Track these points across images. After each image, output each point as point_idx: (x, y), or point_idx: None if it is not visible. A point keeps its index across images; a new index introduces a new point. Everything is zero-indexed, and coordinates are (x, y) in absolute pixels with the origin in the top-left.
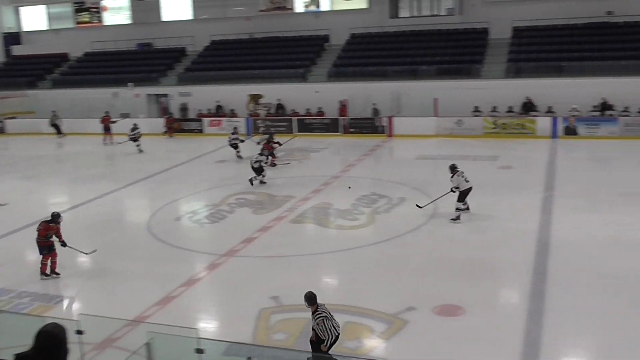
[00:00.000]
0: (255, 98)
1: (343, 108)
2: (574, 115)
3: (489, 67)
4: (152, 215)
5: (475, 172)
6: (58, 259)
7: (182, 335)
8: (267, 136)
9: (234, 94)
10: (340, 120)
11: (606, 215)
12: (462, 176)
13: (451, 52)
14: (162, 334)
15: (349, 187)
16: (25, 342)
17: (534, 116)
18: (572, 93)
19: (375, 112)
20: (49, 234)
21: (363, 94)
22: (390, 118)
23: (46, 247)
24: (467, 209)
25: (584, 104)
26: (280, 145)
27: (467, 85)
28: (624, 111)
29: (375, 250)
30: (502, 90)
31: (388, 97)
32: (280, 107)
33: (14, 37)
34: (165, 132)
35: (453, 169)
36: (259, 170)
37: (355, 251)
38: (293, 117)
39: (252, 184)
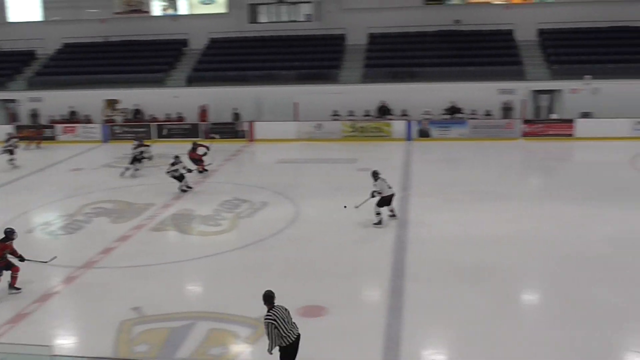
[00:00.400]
0: (111, 103)
1: (203, 113)
2: (426, 119)
3: (347, 72)
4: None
5: (335, 174)
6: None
7: (34, 354)
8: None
9: (89, 99)
10: (201, 126)
11: (459, 212)
12: (385, 182)
13: (310, 57)
14: (13, 354)
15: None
16: None
17: (390, 119)
18: (424, 97)
19: (236, 116)
20: (4, 253)
21: (224, 98)
22: (251, 123)
23: (3, 267)
24: (394, 215)
25: (435, 107)
26: (208, 149)
27: (325, 90)
28: (472, 114)
29: (239, 255)
30: (359, 94)
31: (249, 102)
32: (137, 112)
33: None
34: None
35: (375, 175)
36: (180, 178)
37: (219, 257)
38: (152, 123)
39: (185, 191)
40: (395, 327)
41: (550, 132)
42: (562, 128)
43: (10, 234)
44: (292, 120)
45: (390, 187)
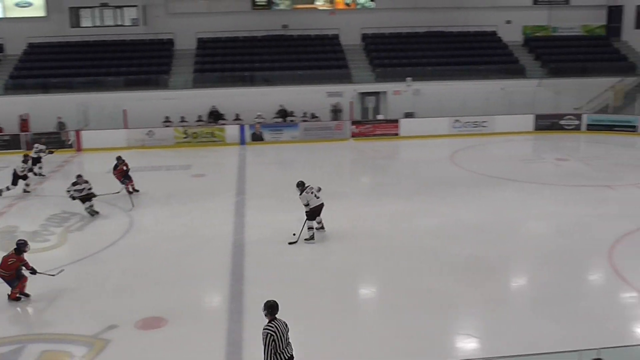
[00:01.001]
0: None
1: (24, 123)
2: (259, 122)
3: (176, 77)
4: None
5: (169, 181)
6: None
7: None
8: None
9: None
10: (22, 136)
11: (294, 213)
12: (312, 192)
13: (137, 62)
14: None
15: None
16: None
17: (223, 124)
18: (256, 101)
19: (61, 125)
20: (20, 265)
21: (46, 107)
22: (77, 131)
23: (15, 278)
24: (322, 227)
25: (267, 111)
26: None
27: (155, 96)
28: (303, 117)
29: (71, 270)
30: (191, 100)
31: (74, 110)
32: None
33: None
34: None
35: (300, 186)
36: (84, 199)
37: (43, 277)
38: None
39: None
40: (237, 331)
41: (378, 132)
42: (388, 128)
43: (23, 245)
44: (122, 128)
45: (317, 197)
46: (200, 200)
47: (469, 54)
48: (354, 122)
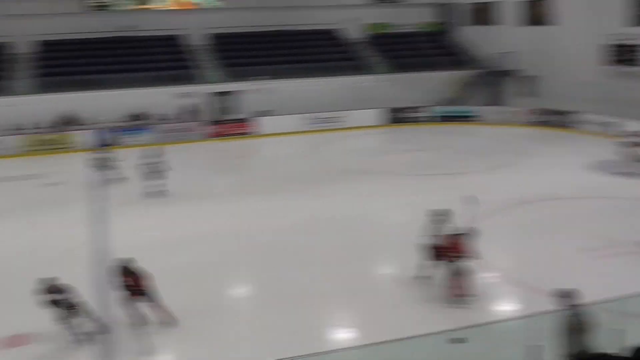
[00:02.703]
0: None
1: None
2: (111, 127)
3: (16, 82)
4: None
5: (18, 193)
6: None
7: None
8: None
9: None
10: None
11: (155, 217)
12: None
13: None
14: None
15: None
16: None
17: (73, 130)
18: (106, 105)
19: None
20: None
21: None
22: None
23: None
24: None
25: (119, 115)
26: None
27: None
28: (161, 119)
29: None
30: (35, 105)
31: None
32: None
33: None
34: None
35: None
36: None
37: None
38: None
39: None
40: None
41: (234, 132)
42: (244, 127)
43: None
44: None
45: None
46: (56, 210)
47: (315, 51)
48: (209, 123)
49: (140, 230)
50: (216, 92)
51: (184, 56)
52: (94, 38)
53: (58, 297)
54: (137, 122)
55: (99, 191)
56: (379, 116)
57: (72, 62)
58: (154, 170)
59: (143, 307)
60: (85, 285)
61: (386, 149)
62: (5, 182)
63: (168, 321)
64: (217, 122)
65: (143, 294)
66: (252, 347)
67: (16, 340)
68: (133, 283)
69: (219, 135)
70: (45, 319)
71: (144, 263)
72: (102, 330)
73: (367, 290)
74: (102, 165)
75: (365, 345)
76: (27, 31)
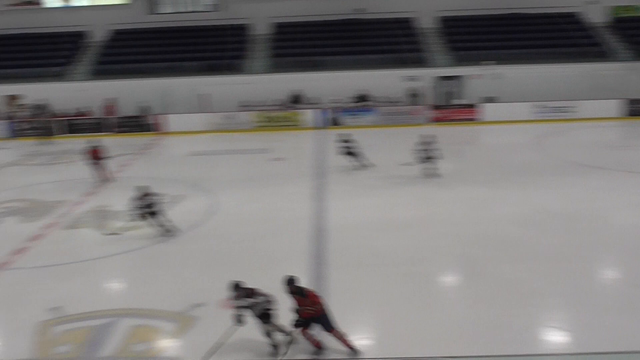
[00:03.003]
0: (12, 99)
1: (110, 107)
2: (336, 107)
3: (253, 62)
4: None
5: (247, 165)
6: None
7: None
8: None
9: None
10: (107, 120)
11: (374, 198)
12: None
13: (214, 48)
14: None
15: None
16: None
17: (300, 109)
18: (332, 86)
19: (144, 109)
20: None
21: (130, 91)
22: (159, 115)
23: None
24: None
25: (344, 95)
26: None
27: (232, 81)
28: (381, 102)
29: (157, 250)
30: (268, 84)
31: (156, 94)
32: (40, 107)
33: None
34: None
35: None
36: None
37: (136, 252)
38: (56, 118)
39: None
40: None
41: (457, 117)
42: (468, 113)
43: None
44: (201, 112)
45: None
46: (279, 184)
47: (549, 36)
48: (432, 107)
49: (355, 209)
50: (441, 77)
51: (412, 39)
52: (325, 21)
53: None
54: (362, 104)
55: (321, 169)
56: (617, 107)
57: (302, 44)
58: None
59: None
60: (304, 257)
61: (623, 143)
62: (237, 155)
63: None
64: (440, 107)
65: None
66: (456, 341)
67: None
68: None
69: (441, 120)
70: (262, 285)
71: (362, 242)
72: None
73: (587, 293)
74: (345, 148)
75: (581, 354)
76: (264, 13)
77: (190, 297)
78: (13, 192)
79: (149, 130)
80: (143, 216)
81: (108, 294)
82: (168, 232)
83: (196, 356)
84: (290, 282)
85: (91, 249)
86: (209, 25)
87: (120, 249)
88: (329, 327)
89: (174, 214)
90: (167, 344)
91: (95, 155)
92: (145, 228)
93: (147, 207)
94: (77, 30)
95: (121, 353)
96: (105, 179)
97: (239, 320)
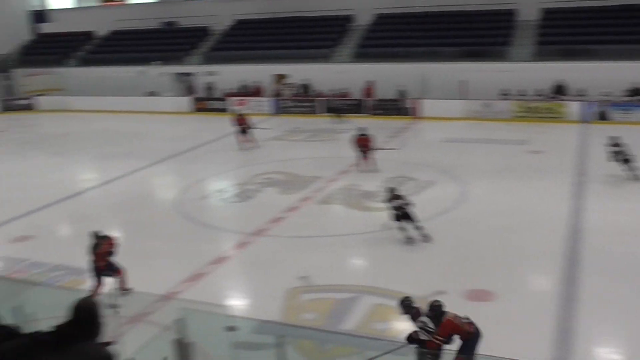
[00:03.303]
0: (280, 78)
1: (369, 89)
2: (605, 100)
3: (516, 49)
4: (179, 193)
5: (503, 155)
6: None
7: (213, 312)
8: None
9: (260, 73)
10: (366, 102)
11: (637, 204)
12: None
13: (476, 33)
14: (193, 310)
15: None
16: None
17: (564, 100)
18: (602, 77)
19: (401, 93)
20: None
21: (389, 75)
22: (416, 100)
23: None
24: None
25: (615, 88)
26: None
27: (493, 68)
28: None
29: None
30: (530, 73)
31: (414, 79)
32: (304, 87)
33: (40, 15)
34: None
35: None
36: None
37: (383, 233)
38: (317, 98)
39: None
40: (568, 319)
41: None
42: None
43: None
44: (459, 99)
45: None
46: (535, 177)
47: None
48: None
49: (617, 213)
50: None
51: None
52: (599, 6)
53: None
54: (636, 98)
55: (583, 165)
56: None
57: (572, 31)
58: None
59: None
60: (555, 256)
61: None
62: (492, 144)
63: None
64: None
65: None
66: None
67: (479, 295)
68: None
69: None
70: (508, 280)
71: (623, 248)
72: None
73: None
74: (616, 153)
75: None
76: None
77: (432, 284)
78: (274, 165)
79: (405, 114)
80: (396, 218)
81: (353, 269)
82: (425, 237)
83: None
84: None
85: (340, 225)
86: (472, 11)
87: (369, 228)
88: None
89: (422, 199)
90: (406, 326)
91: (363, 144)
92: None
93: (398, 209)
94: (345, 14)
95: (360, 328)
96: (371, 167)
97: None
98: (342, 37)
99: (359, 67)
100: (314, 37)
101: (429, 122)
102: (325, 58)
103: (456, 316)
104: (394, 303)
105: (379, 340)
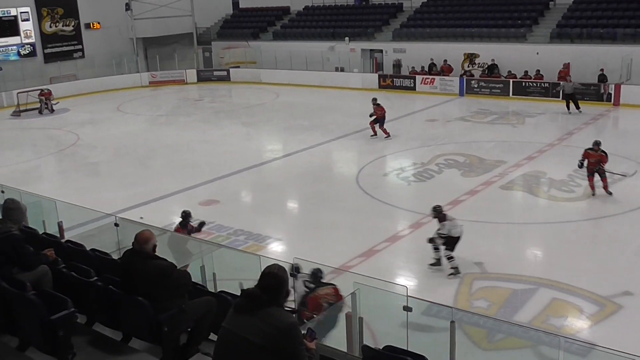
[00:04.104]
0: (470, 57)
1: (565, 72)
2: None
3: None
4: (360, 169)
5: None
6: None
7: (388, 290)
8: None
9: (449, 52)
10: (563, 86)
11: None
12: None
13: None
14: (368, 286)
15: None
16: (241, 276)
17: None
18: None
19: (602, 78)
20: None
21: (588, 57)
22: (618, 85)
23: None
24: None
25: None
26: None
27: None
28: None
29: (590, 226)
30: None
31: (617, 63)
32: (493, 67)
33: None
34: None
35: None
36: None
37: (568, 225)
38: (508, 79)
39: None
40: None
41: None
42: None
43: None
44: None
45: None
46: None
47: None
48: None
49: None
50: None
51: None
52: None
53: None
54: None
55: None
56: None
57: None
58: None
59: None
60: None
61: None
62: None
63: None
64: None
65: None
66: None
67: None
68: None
69: None
70: None
71: None
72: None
73: None
74: None
75: None
76: None
77: (620, 283)
78: (457, 146)
79: (603, 100)
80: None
81: (532, 260)
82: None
83: (616, 345)
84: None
85: (522, 212)
86: None
87: (552, 218)
88: None
89: (616, 192)
90: (584, 325)
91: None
92: (580, 202)
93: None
94: None
95: (536, 321)
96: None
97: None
98: (540, 16)
99: (556, 48)
100: (511, 15)
101: (630, 110)
102: (520, 38)
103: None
104: (574, 300)
105: (555, 336)
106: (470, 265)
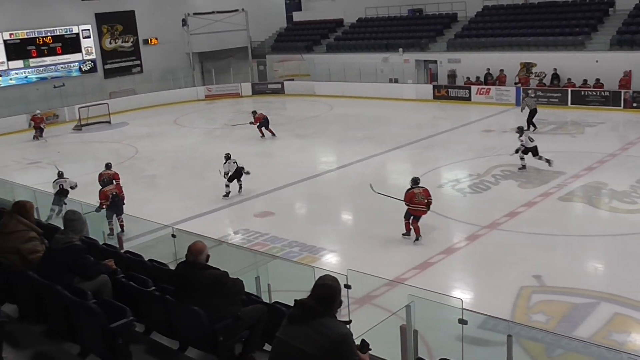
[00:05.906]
0: (527, 66)
1: (625, 80)
2: None
3: None
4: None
5: None
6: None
7: (443, 303)
8: None
9: (505, 61)
10: (622, 93)
11: None
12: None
13: None
14: (423, 299)
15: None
16: (295, 287)
17: None
18: None
19: None
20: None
21: None
22: None
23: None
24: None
25: None
26: None
27: None
28: None
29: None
30: None
31: None
32: (555, 77)
33: (295, 4)
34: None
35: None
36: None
37: (631, 238)
38: (567, 88)
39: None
40: None
41: None
42: None
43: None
44: None
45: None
46: None
47: None
48: None
49: None
50: None
51: None
52: None
53: None
54: None
55: None
56: None
57: None
58: None
59: None
60: None
61: None
62: None
63: None
64: None
65: None
66: None
67: None
68: None
69: None
70: None
71: None
72: None
73: None
74: None
75: None
76: None
77: None
78: (514, 157)
79: None
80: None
81: (593, 273)
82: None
83: None
84: None
85: (581, 224)
86: None
87: (613, 230)
88: None
89: None
90: None
91: None
92: None
93: None
94: None
95: (597, 337)
96: None
97: None
98: (599, 23)
99: (617, 55)
100: (569, 23)
101: None
102: (579, 46)
103: (416, 193)
104: (638, 314)
105: (618, 352)
106: (528, 278)
